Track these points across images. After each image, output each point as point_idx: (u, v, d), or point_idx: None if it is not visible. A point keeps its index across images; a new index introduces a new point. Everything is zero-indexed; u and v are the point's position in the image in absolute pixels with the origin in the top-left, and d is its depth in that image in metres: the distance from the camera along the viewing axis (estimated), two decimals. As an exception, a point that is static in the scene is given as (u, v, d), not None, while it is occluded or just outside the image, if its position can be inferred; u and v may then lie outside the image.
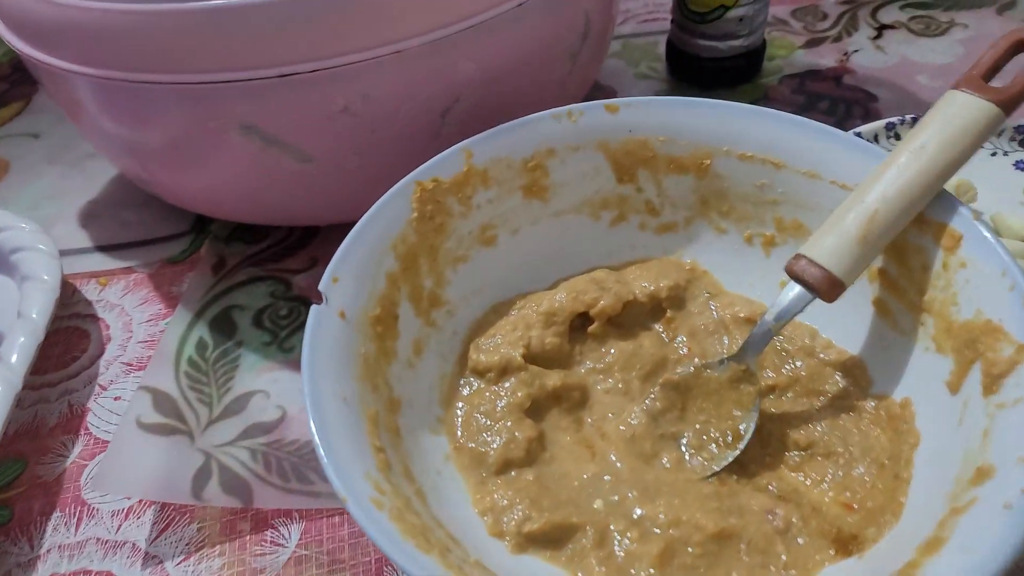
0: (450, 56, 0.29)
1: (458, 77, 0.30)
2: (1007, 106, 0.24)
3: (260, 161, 0.31)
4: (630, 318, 0.29)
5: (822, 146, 0.27)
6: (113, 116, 0.32)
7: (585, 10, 0.34)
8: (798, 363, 0.27)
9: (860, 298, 0.26)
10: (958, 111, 0.24)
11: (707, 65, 0.43)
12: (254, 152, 0.31)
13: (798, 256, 0.24)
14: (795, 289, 0.24)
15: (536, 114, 0.29)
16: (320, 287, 0.24)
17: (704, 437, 0.26)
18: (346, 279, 0.24)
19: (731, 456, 0.25)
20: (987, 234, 0.23)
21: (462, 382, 0.28)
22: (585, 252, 0.31)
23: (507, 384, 0.26)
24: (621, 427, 0.26)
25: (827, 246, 0.24)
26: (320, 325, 0.23)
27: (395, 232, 0.26)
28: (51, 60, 0.30)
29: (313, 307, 0.23)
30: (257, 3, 0.26)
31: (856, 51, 0.45)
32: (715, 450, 0.25)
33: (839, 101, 0.42)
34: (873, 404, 0.25)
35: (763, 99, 0.42)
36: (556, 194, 0.30)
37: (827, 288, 0.23)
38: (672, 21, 0.43)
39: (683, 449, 0.25)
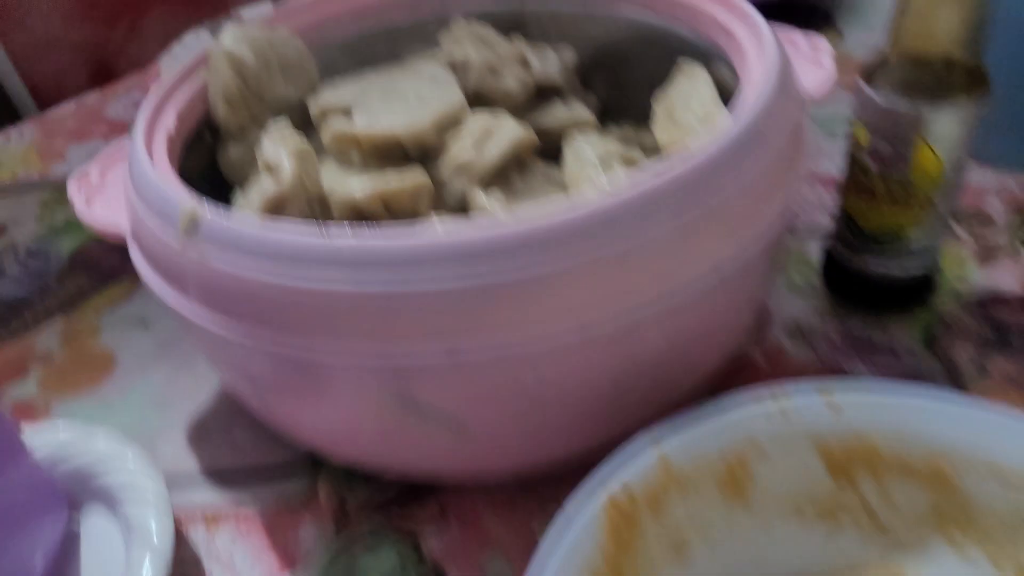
0: (638, 333, 0.25)
1: (644, 353, 0.26)
2: None
3: (404, 425, 0.28)
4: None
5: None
6: (246, 372, 0.29)
7: (772, 258, 0.31)
8: None
9: None
10: None
11: (875, 286, 0.39)
12: (399, 416, 0.27)
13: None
14: None
15: (735, 398, 0.25)
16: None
17: None
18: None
19: None
20: None
21: None
22: (793, 561, 0.26)
23: None
24: None
25: None
26: None
27: (580, 564, 0.22)
28: (198, 319, 0.27)
29: None
30: (436, 291, 0.23)
31: (1039, 270, 0.41)
32: None
33: (1033, 334, 0.37)
34: None
35: (940, 327, 0.38)
36: (759, 495, 0.25)
37: None
38: (834, 236, 0.40)
39: None
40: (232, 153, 0.37)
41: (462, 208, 0.34)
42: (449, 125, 0.35)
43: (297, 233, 0.24)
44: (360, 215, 0.33)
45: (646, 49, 0.42)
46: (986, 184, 0.47)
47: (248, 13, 0.67)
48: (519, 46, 0.42)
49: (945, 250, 0.43)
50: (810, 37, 0.38)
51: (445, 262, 0.23)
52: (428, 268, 0.23)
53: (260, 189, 0.30)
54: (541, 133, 0.41)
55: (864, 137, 0.35)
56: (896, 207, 0.35)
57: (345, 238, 0.24)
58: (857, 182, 0.36)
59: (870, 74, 0.35)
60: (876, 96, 0.34)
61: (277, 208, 0.30)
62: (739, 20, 0.35)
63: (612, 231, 0.24)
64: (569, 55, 0.44)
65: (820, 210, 0.47)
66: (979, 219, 0.44)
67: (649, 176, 0.24)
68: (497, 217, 0.25)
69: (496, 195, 0.33)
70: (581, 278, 0.24)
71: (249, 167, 0.36)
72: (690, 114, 0.35)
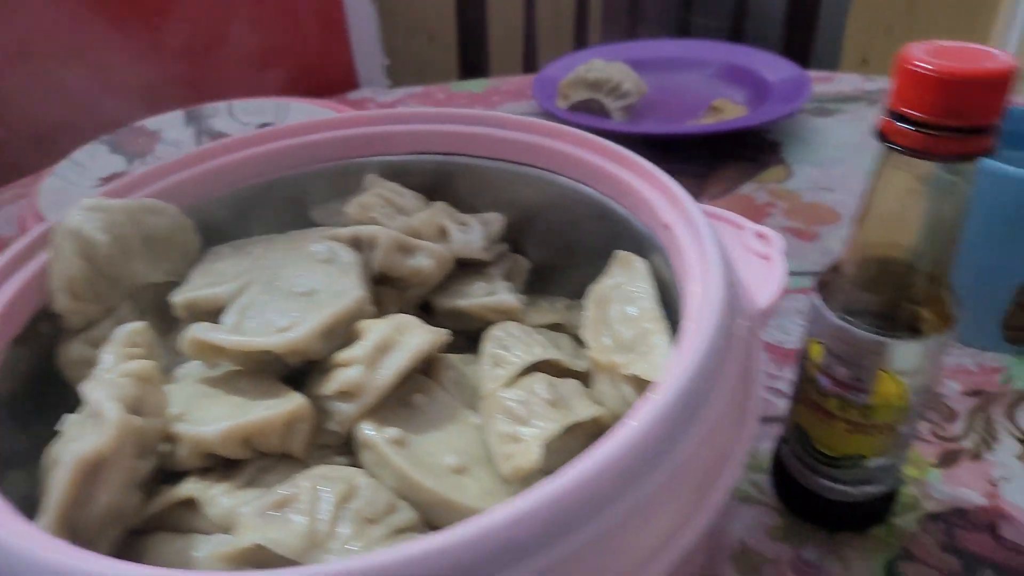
0: None
1: None
2: None
3: None
4: None
5: None
6: None
7: (713, 542, 0.25)
8: None
9: None
10: None
11: (830, 506, 0.34)
12: None
13: None
14: None
15: None
16: None
17: None
18: None
19: None
20: None
21: None
22: None
23: None
24: None
25: None
26: None
27: None
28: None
29: None
30: None
31: (1004, 479, 0.37)
32: None
33: (1005, 572, 0.32)
34: None
35: (906, 558, 0.33)
36: None
37: None
38: (785, 443, 0.35)
39: None
40: (73, 351, 0.30)
41: (345, 439, 0.28)
42: (342, 329, 0.30)
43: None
44: (215, 457, 0.27)
45: (585, 215, 0.37)
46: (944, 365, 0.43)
47: (153, 123, 0.62)
48: (439, 213, 0.38)
49: (905, 451, 0.38)
50: (758, 227, 0.34)
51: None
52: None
53: (75, 447, 0.23)
54: (457, 314, 0.36)
55: (818, 354, 0.31)
56: (854, 432, 0.31)
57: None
58: (810, 399, 0.32)
59: (826, 288, 0.30)
60: (833, 317, 0.29)
61: (95, 470, 0.23)
62: (682, 217, 0.31)
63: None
64: (496, 223, 0.39)
65: (770, 392, 0.42)
66: (939, 411, 0.41)
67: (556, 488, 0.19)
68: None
69: (389, 431, 0.27)
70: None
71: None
72: (621, 324, 0.31)
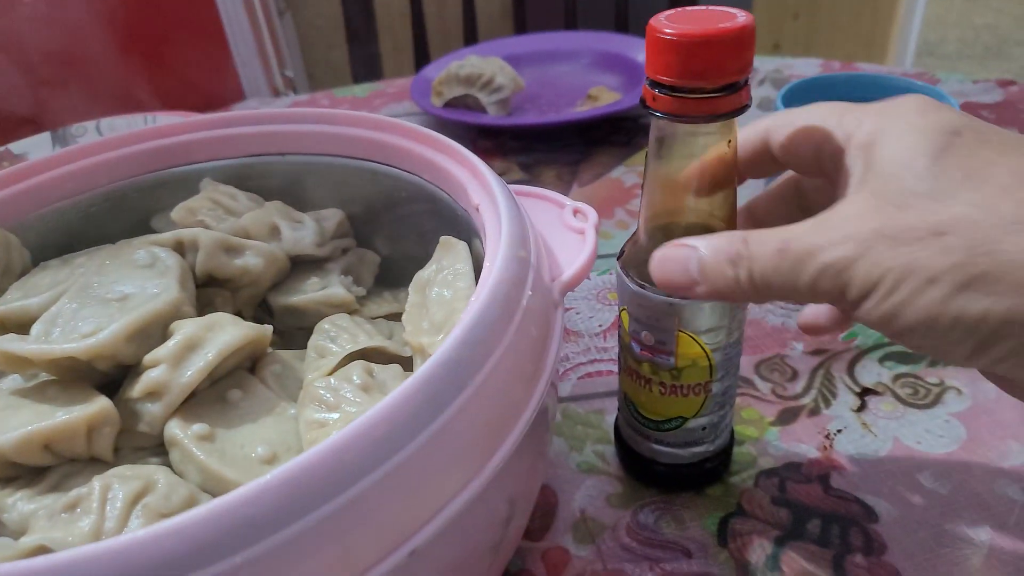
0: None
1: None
2: None
3: None
4: None
5: None
6: None
7: (509, 497, 0.26)
8: None
9: None
10: None
11: (664, 469, 0.35)
12: None
13: None
14: None
15: None
16: None
17: None
18: None
19: None
20: None
21: None
22: None
23: None
24: None
25: None
26: None
27: None
28: None
29: None
30: None
31: (839, 431, 0.38)
32: None
33: (831, 520, 0.34)
34: None
35: (738, 513, 0.34)
36: None
37: None
38: (619, 409, 0.36)
39: None
40: None
41: (160, 441, 0.28)
42: (154, 331, 0.30)
43: None
44: (18, 465, 0.27)
45: (420, 205, 0.38)
46: (789, 326, 0.45)
47: (19, 147, 0.60)
48: (271, 213, 0.38)
49: (744, 410, 0.40)
50: (576, 204, 0.34)
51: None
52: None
53: None
54: (292, 310, 0.37)
55: (627, 321, 0.32)
56: (669, 394, 0.32)
57: None
58: (628, 367, 0.33)
59: (626, 256, 0.31)
60: (631, 284, 0.30)
61: None
62: (485, 195, 0.32)
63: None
64: (333, 219, 0.39)
65: (622, 366, 0.43)
66: (782, 371, 0.42)
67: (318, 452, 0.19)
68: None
69: (197, 427, 0.27)
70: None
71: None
72: (438, 307, 0.31)
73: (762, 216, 0.31)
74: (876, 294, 0.22)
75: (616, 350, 0.44)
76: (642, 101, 0.27)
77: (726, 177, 0.27)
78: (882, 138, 0.23)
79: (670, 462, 0.34)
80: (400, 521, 0.21)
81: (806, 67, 0.79)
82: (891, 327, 0.22)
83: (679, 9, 0.25)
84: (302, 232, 0.37)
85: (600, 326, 0.47)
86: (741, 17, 0.24)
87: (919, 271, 0.21)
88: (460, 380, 0.23)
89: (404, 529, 0.21)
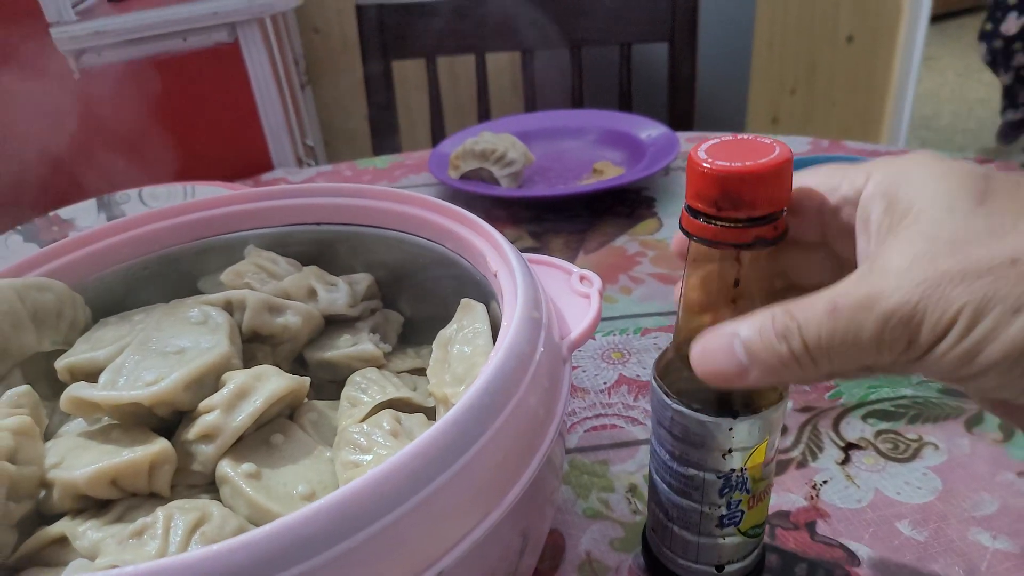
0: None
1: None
2: None
3: None
4: None
5: None
6: None
7: (523, 530, 0.29)
8: None
9: None
10: None
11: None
12: None
13: None
14: None
15: None
16: None
17: None
18: None
19: None
20: None
21: None
22: None
23: None
24: None
25: None
26: None
27: None
28: None
29: None
30: None
31: (825, 482, 0.41)
32: None
33: (817, 565, 0.37)
34: None
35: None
36: None
37: None
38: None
39: None
40: (-36, 418, 0.34)
41: (212, 479, 0.32)
42: (207, 381, 0.34)
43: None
44: (88, 498, 0.30)
45: (441, 270, 0.42)
46: (782, 385, 0.49)
47: (67, 212, 0.65)
48: (308, 276, 0.42)
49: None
50: (582, 271, 0.38)
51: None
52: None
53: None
54: (326, 365, 0.40)
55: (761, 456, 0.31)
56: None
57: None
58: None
59: (663, 373, 0.31)
60: (671, 402, 0.30)
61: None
62: (502, 263, 0.36)
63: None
64: (363, 281, 0.44)
65: (626, 421, 0.47)
66: (773, 426, 0.45)
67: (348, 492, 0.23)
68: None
69: (245, 466, 0.31)
70: None
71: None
72: (459, 362, 0.35)
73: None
74: (953, 333, 0.20)
75: (620, 405, 0.48)
76: (680, 225, 0.27)
77: (762, 302, 0.26)
78: (906, 186, 0.23)
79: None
80: (429, 546, 0.25)
81: (797, 145, 0.84)
82: (969, 367, 0.21)
83: (721, 140, 0.26)
84: (336, 294, 0.41)
85: (604, 383, 0.50)
86: (777, 151, 0.24)
87: (1002, 301, 0.20)
88: (481, 424, 0.26)
89: (432, 552, 0.25)
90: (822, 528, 0.39)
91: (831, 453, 0.43)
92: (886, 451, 0.43)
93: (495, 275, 0.36)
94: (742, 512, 0.32)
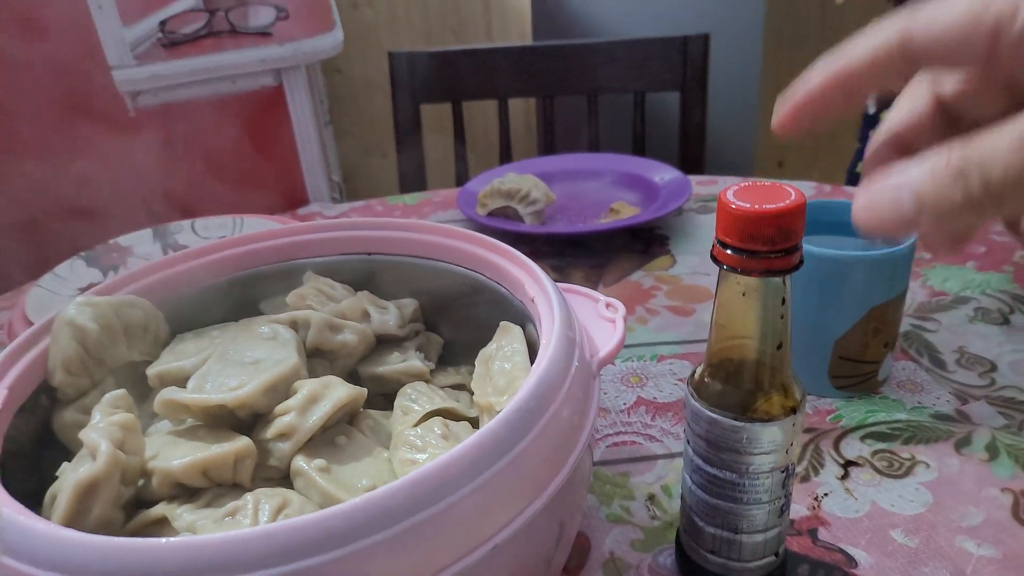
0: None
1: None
2: None
3: None
4: None
5: None
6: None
7: (560, 520, 0.34)
8: None
9: None
10: None
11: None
12: None
13: None
14: None
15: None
16: None
17: None
18: None
19: None
20: None
21: None
22: None
23: None
24: None
25: None
26: None
27: None
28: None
29: None
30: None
31: (826, 495, 0.45)
32: None
33: (818, 566, 0.41)
34: None
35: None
36: None
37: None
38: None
39: None
40: (67, 417, 0.38)
41: (286, 473, 0.36)
42: (281, 388, 0.38)
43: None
44: (181, 485, 0.35)
45: (479, 296, 0.47)
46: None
47: (125, 240, 0.71)
48: (362, 300, 0.47)
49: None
50: (608, 299, 0.43)
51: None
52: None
53: (75, 472, 0.32)
54: (377, 379, 0.45)
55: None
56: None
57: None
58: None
59: (696, 387, 0.36)
60: (702, 408, 0.35)
61: (90, 491, 0.31)
62: (539, 290, 0.41)
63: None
64: (410, 305, 0.48)
65: (645, 438, 0.51)
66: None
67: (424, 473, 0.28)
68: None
69: (317, 461, 0.36)
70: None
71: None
72: (500, 376, 0.40)
73: (913, 142, 0.28)
74: None
75: (639, 424, 0.52)
76: (712, 256, 0.32)
77: (781, 327, 0.32)
78: None
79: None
80: (484, 524, 0.29)
81: (803, 190, 0.89)
82: None
83: (747, 184, 0.31)
84: (387, 316, 0.46)
85: (624, 404, 0.55)
86: (793, 196, 0.30)
87: None
88: (527, 425, 0.31)
89: (488, 530, 0.29)
90: (823, 534, 0.43)
91: (832, 469, 0.47)
92: (882, 468, 0.47)
93: (532, 300, 0.41)
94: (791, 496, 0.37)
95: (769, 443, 0.34)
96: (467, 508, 0.28)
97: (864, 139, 1.46)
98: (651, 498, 0.46)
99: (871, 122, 1.42)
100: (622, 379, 0.57)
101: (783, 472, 0.35)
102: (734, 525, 0.36)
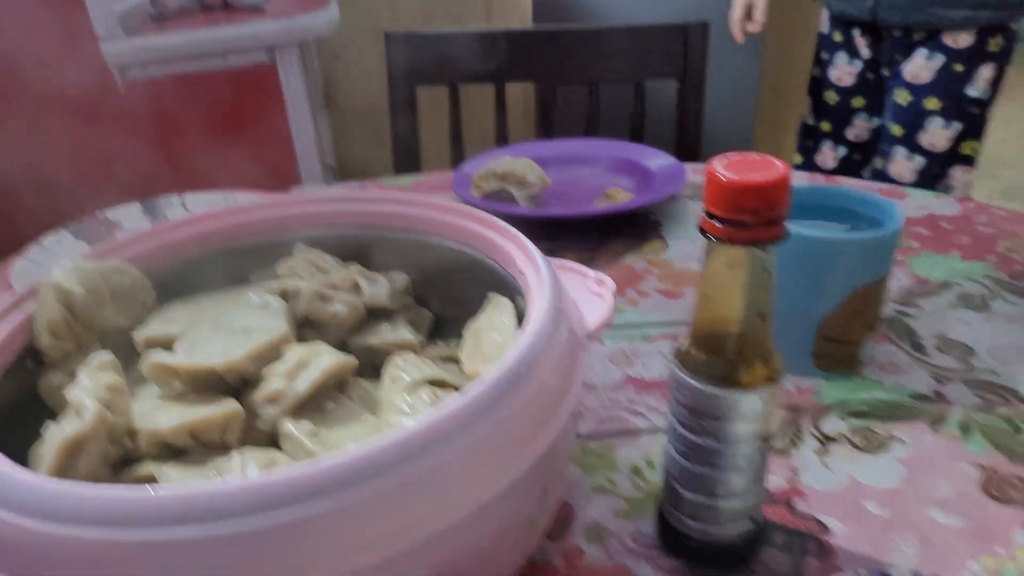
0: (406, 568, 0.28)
1: (447, 562, 0.29)
2: None
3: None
4: None
5: None
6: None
7: (543, 484, 0.34)
8: None
9: None
10: None
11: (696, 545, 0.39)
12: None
13: None
14: None
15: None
16: None
17: None
18: None
19: None
20: None
21: None
22: None
23: None
24: None
25: None
26: None
27: None
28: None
29: None
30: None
31: (805, 468, 0.46)
32: None
33: (794, 534, 0.42)
34: None
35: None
36: None
37: None
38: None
39: None
40: (53, 380, 0.39)
41: (273, 437, 0.37)
42: (269, 355, 0.39)
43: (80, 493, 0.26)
44: (168, 447, 0.35)
45: (469, 272, 0.47)
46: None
47: (113, 214, 0.71)
48: (353, 272, 0.47)
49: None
50: (598, 274, 0.44)
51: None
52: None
53: (61, 429, 0.32)
54: (368, 350, 0.45)
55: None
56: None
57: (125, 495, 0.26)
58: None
59: (681, 358, 0.37)
60: (686, 377, 0.36)
61: (76, 448, 0.32)
62: (530, 263, 0.41)
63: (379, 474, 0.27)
64: (401, 279, 0.49)
65: (631, 414, 0.52)
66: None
67: (417, 426, 0.28)
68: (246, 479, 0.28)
69: (305, 424, 0.36)
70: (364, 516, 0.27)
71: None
72: (490, 346, 0.40)
73: None
74: None
75: (625, 400, 0.53)
76: (700, 228, 0.33)
77: (764, 298, 0.33)
78: None
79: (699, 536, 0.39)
80: (470, 483, 0.30)
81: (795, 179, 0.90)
82: None
83: (731, 156, 0.32)
84: (377, 288, 0.47)
85: (612, 381, 0.55)
86: (779, 168, 0.31)
87: None
88: (513, 387, 0.32)
89: (473, 489, 0.30)
90: (800, 505, 0.44)
91: (810, 444, 0.48)
92: (859, 443, 0.48)
93: (522, 273, 0.41)
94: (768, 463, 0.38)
95: (749, 411, 0.35)
96: (453, 466, 0.29)
97: (803, 150, 1.42)
98: (635, 470, 0.47)
99: (810, 132, 1.38)
100: (610, 358, 0.58)
101: (762, 440, 0.36)
102: (713, 490, 0.37)
